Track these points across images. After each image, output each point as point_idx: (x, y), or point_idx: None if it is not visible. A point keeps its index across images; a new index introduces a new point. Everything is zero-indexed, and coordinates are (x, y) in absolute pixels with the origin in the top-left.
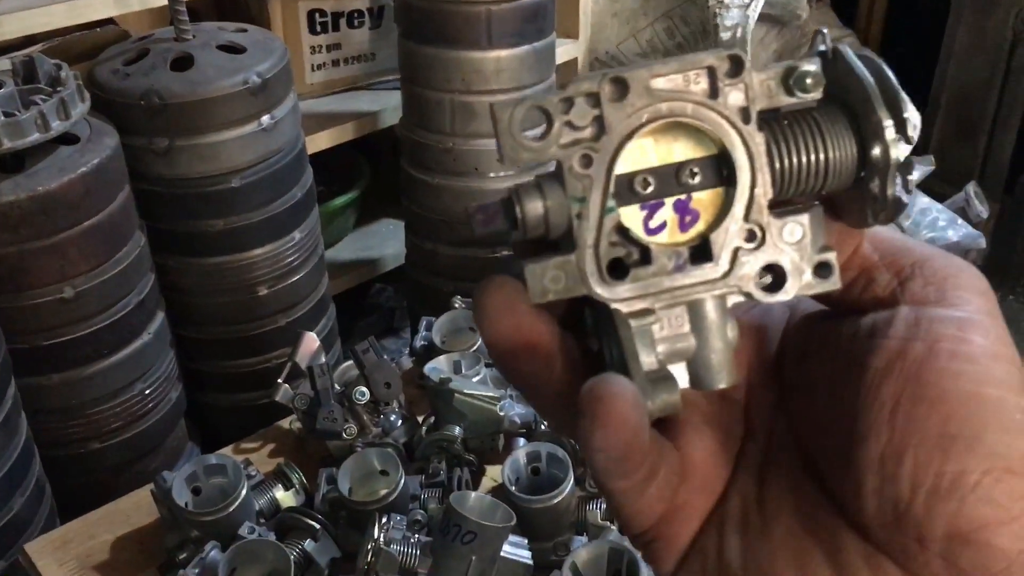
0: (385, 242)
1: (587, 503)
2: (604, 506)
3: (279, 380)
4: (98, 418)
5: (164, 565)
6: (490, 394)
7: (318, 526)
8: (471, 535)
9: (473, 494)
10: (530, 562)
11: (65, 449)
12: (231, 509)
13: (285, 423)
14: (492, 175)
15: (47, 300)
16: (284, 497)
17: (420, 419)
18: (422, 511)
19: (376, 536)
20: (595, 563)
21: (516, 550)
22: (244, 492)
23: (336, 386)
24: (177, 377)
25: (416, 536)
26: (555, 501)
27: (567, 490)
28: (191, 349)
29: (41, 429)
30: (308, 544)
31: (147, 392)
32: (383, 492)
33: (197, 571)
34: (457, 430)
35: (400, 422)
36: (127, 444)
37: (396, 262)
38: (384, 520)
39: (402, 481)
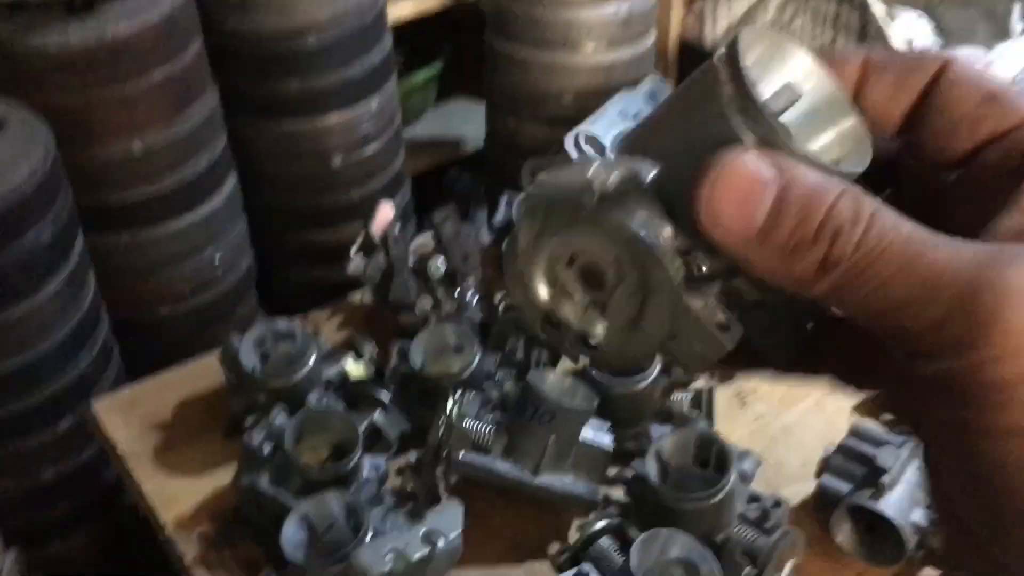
0: (465, 123)
1: (672, 391)
2: (691, 396)
3: (352, 251)
4: (167, 282)
5: (228, 429)
6: None
7: (388, 399)
8: (549, 415)
9: (553, 373)
10: (611, 448)
11: (134, 313)
12: (299, 375)
13: (356, 297)
14: (583, 49)
15: (116, 155)
16: (354, 368)
17: (497, 299)
18: (497, 390)
19: (449, 410)
20: (681, 451)
21: (597, 435)
22: (313, 359)
23: (411, 259)
24: (248, 245)
25: (490, 415)
26: (640, 386)
27: (653, 374)
28: (262, 219)
29: (110, 290)
30: (377, 416)
31: (217, 258)
32: (457, 367)
33: (263, 435)
34: None
35: (477, 300)
36: (197, 311)
37: (475, 145)
38: (458, 395)
39: (478, 357)
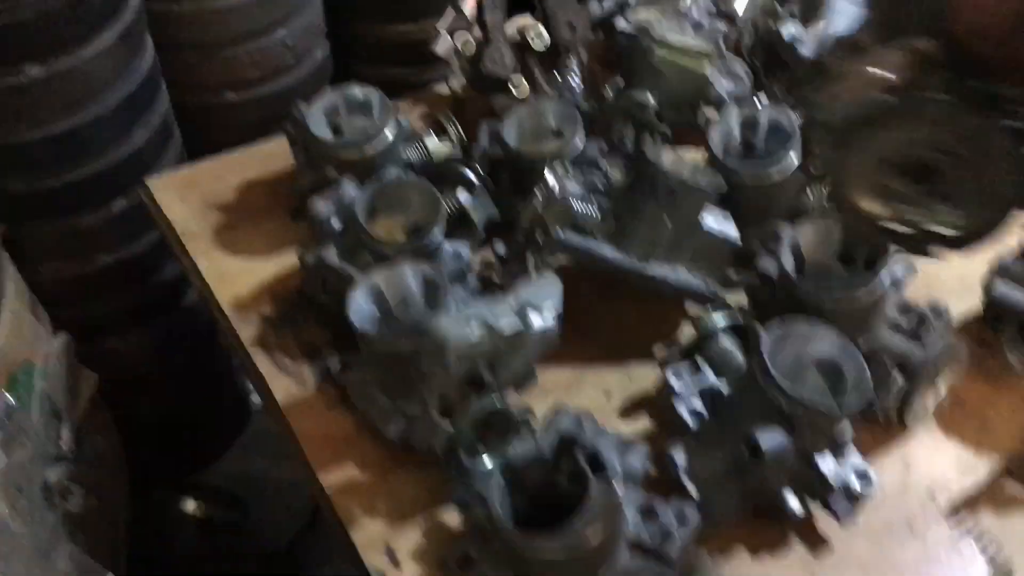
0: None
1: (809, 187)
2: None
3: (438, 27)
4: (233, 63)
5: (296, 210)
6: (699, 47)
7: (476, 178)
8: (667, 194)
9: (673, 152)
10: (736, 241)
11: (198, 97)
12: (375, 148)
13: (442, 88)
14: None
15: None
16: (437, 149)
17: (605, 87)
18: (602, 180)
19: (551, 183)
20: (822, 244)
21: (720, 225)
22: (391, 132)
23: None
24: (323, 34)
25: (595, 200)
26: (774, 176)
27: (792, 165)
28: (340, 8)
29: (171, 68)
30: (462, 196)
31: (288, 43)
32: (556, 148)
33: (332, 207)
34: (651, 97)
35: (580, 85)
36: (265, 100)
37: None
38: (560, 170)
39: (580, 138)
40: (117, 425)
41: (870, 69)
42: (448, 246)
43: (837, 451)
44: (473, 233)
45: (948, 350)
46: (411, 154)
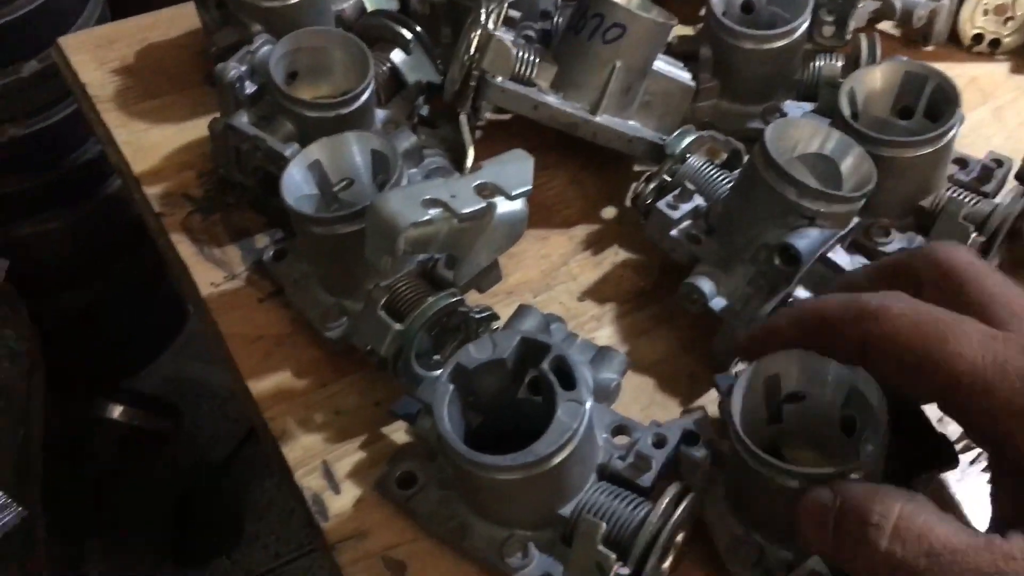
0: None
1: (816, 57)
2: (840, 62)
3: None
4: None
5: (209, 74)
6: None
7: (411, 34)
8: (617, 29)
9: None
10: (691, 84)
11: None
12: None
13: None
14: None
15: None
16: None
17: None
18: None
19: (484, 20)
20: (884, 94)
21: (674, 68)
22: None
23: None
24: None
25: (536, 45)
26: (776, 42)
27: (799, 29)
28: None
29: None
30: (397, 57)
31: None
32: None
33: (244, 67)
34: None
35: None
36: None
37: None
38: (493, 5)
39: None
40: (33, 320)
41: None
42: (381, 113)
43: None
44: (410, 96)
45: (1017, 201)
46: (344, 6)
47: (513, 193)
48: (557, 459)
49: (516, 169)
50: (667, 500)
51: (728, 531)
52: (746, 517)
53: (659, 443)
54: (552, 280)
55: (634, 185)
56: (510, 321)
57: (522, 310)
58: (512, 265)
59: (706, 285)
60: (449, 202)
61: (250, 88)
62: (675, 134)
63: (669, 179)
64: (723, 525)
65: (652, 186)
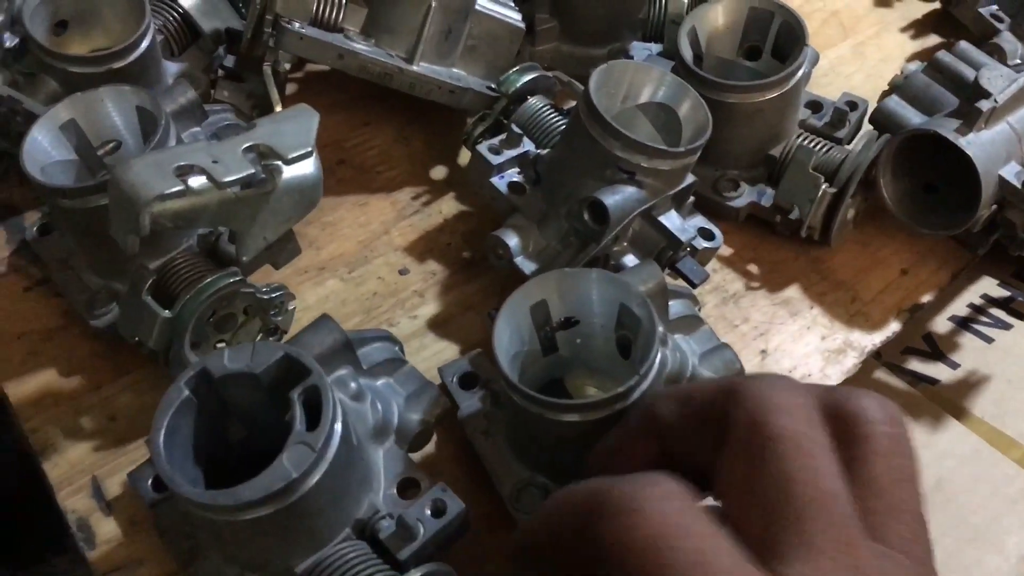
0: None
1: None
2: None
3: None
4: None
5: None
6: None
7: None
8: None
9: None
10: (521, 25)
11: None
12: None
13: None
14: None
15: None
16: None
17: None
18: None
19: None
20: (729, 33)
21: (501, 7)
22: None
23: None
24: None
25: None
26: None
27: None
28: None
29: None
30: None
31: None
32: None
33: (2, 16)
34: None
35: None
36: None
37: None
38: None
39: None
40: None
41: None
42: (173, 66)
43: (680, 208)
44: (205, 47)
45: (870, 145)
46: None
47: (289, 156)
48: (264, 510)
49: (295, 128)
50: None
51: (512, 476)
52: (530, 460)
53: (437, 512)
54: (371, 251)
55: (469, 121)
56: (302, 332)
57: (320, 322)
58: (325, 236)
59: (512, 239)
60: (210, 169)
61: (10, 41)
62: (514, 69)
63: (505, 120)
64: (507, 471)
65: (481, 128)
